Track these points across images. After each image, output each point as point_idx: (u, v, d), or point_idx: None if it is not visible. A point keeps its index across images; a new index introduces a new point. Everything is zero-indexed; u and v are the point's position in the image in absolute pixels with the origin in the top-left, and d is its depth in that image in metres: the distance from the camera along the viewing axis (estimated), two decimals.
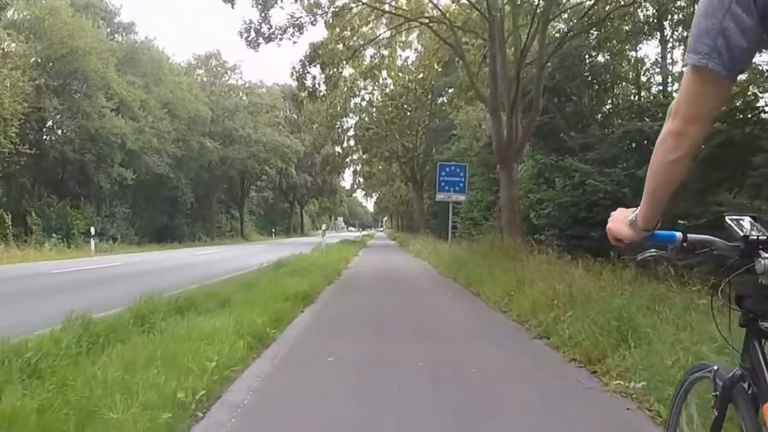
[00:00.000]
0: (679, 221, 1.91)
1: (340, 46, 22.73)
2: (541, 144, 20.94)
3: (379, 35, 25.00)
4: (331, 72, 22.94)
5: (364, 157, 47.40)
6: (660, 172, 1.66)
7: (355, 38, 23.34)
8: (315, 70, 22.76)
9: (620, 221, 1.86)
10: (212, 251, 32.09)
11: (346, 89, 41.74)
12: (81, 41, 31.98)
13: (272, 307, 8.09)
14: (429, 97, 40.63)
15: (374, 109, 43.34)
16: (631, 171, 15.84)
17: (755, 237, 1.67)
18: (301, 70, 22.14)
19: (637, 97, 22.89)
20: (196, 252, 30.26)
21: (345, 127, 44.23)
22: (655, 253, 1.96)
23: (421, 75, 39.67)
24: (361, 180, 69.67)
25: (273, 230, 71.28)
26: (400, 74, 41.45)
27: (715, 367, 2.02)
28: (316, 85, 22.94)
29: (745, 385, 1.78)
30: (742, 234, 1.70)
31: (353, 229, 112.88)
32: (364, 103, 43.85)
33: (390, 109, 40.64)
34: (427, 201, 46.06)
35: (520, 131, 16.45)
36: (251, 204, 72.58)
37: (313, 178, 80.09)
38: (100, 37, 34.58)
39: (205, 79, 54.77)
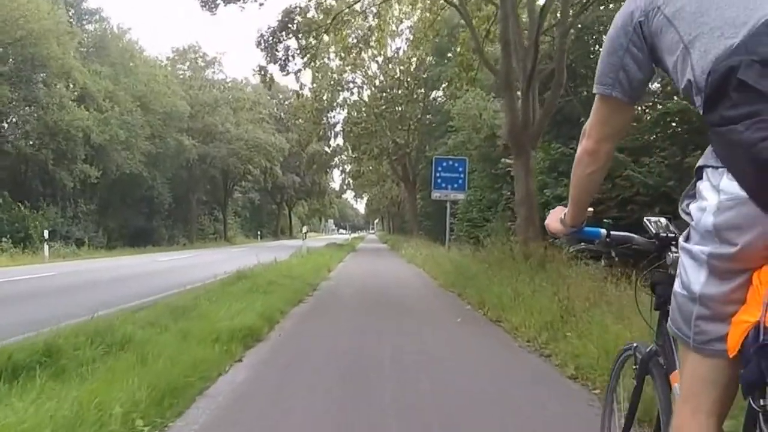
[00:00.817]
0: (605, 220, 2.51)
1: (320, 15, 19.49)
2: (554, 132, 18.04)
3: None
4: (308, 42, 19.69)
5: (352, 155, 44.20)
6: (580, 183, 2.07)
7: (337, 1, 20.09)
8: (291, 43, 19.52)
9: (554, 218, 2.29)
10: (183, 256, 28.98)
11: (333, 82, 38.85)
12: (37, 24, 28.82)
13: (180, 362, 4.96)
14: (422, 90, 37.70)
15: (363, 102, 40.30)
16: (676, 159, 13.06)
17: (665, 235, 2.10)
18: (270, 38, 18.81)
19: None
20: (163, 258, 27.03)
21: (332, 122, 41.09)
22: (584, 246, 2.42)
23: (413, 63, 36.73)
24: (351, 181, 66.76)
25: (259, 233, 68.09)
26: (390, 65, 38.49)
27: (635, 345, 2.47)
28: (290, 57, 19.63)
29: (660, 359, 2.18)
30: (655, 232, 2.15)
31: (344, 231, 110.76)
32: (353, 98, 40.86)
33: (380, 101, 37.64)
34: (420, 201, 43.18)
35: (538, 112, 13.39)
36: (236, 205, 69.57)
37: (301, 179, 77.34)
38: (58, 19, 31.27)
39: (187, 74, 51.49)
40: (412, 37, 37.98)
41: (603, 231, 2.24)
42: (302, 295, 11.29)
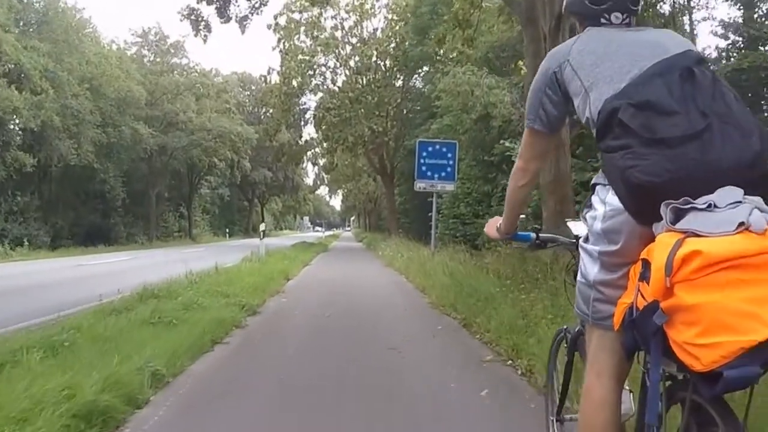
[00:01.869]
0: (534, 225, 3.32)
1: None
2: None
3: None
4: None
5: (325, 146, 40.40)
6: (513, 195, 2.56)
7: None
8: None
9: (491, 226, 2.79)
10: (125, 258, 25.08)
11: (303, 64, 35.22)
12: None
13: None
14: (400, 73, 34.26)
15: (336, 90, 36.64)
16: None
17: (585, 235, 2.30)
18: None
19: None
20: (96, 261, 22.93)
21: (302, 108, 37.18)
22: (520, 247, 3.29)
23: (391, 43, 33.23)
24: (325, 175, 63.18)
25: (227, 230, 64.07)
26: (365, 47, 34.94)
27: (566, 327, 3.00)
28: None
29: (585, 337, 2.44)
30: (575, 233, 2.61)
31: (320, 228, 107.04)
32: (326, 83, 37.12)
33: (355, 84, 34.10)
34: (398, 197, 39.69)
35: None
36: (204, 202, 65.50)
37: (273, 174, 73.57)
38: None
39: (147, 58, 47.29)
40: (390, 15, 34.75)
41: (533, 234, 2.77)
42: (224, 331, 7.14)
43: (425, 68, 32.36)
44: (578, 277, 2.18)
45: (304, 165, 52.89)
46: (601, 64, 2.08)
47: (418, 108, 33.04)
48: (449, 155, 18.18)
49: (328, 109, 34.91)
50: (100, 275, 16.03)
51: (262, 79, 36.68)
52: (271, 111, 36.97)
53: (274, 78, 36.42)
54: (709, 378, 1.59)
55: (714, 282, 1.57)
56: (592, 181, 2.12)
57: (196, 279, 10.75)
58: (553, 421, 3.07)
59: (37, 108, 29.16)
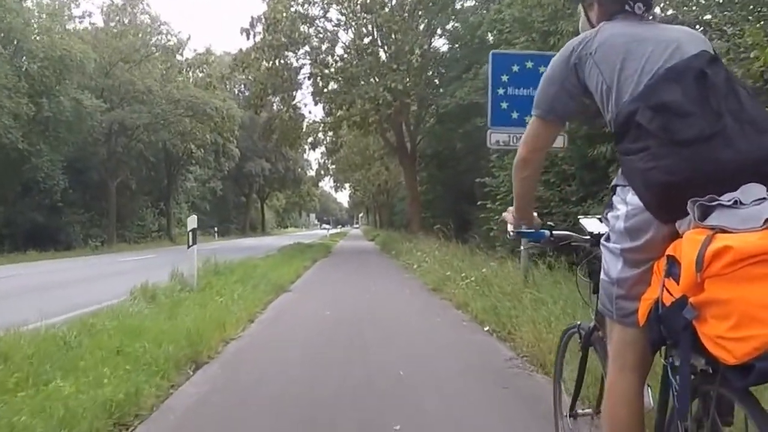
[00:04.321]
0: (548, 222, 3.66)
1: None
2: None
3: None
4: None
5: (327, 120, 31.30)
6: (519, 185, 2.54)
7: None
8: None
9: (509, 213, 2.70)
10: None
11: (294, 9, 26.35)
12: None
13: None
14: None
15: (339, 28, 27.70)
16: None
17: (598, 232, 2.47)
18: None
19: None
20: None
21: (293, 65, 27.83)
22: (534, 244, 3.29)
23: None
24: (329, 165, 54.35)
25: (215, 230, 55.20)
26: None
27: (579, 323, 2.96)
28: None
29: (599, 333, 2.62)
30: (589, 231, 2.60)
31: (327, 226, 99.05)
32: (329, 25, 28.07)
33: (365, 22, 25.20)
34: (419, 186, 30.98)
35: None
36: (191, 196, 56.76)
37: (272, 165, 65.12)
38: None
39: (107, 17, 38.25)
40: None
41: (547, 232, 2.72)
42: None
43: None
44: (601, 276, 2.21)
45: (304, 147, 43.81)
46: (623, 63, 2.09)
47: (454, 55, 24.11)
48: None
49: (326, 65, 26.02)
50: None
51: (244, 34, 27.84)
52: (253, 75, 27.95)
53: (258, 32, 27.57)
54: (740, 370, 1.62)
55: (745, 276, 1.59)
56: (612, 183, 2.17)
57: None
58: (565, 416, 3.06)
59: None
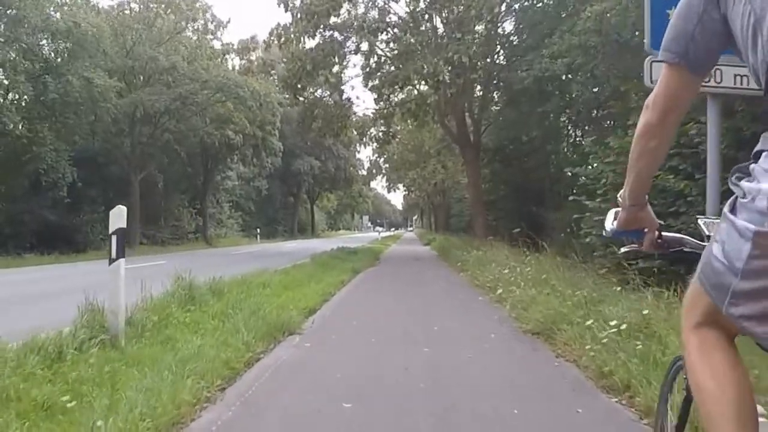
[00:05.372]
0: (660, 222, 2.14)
1: None
2: None
3: None
4: None
5: (378, 109, 26.74)
6: (640, 159, 1.91)
7: None
8: None
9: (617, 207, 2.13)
10: None
11: None
12: None
13: None
14: None
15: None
16: None
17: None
18: None
19: None
20: None
21: (337, 39, 23.16)
22: (636, 247, 2.19)
23: None
24: (381, 164, 50.64)
25: (257, 231, 51.34)
26: None
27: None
28: None
29: None
30: (708, 234, 1.95)
31: (380, 228, 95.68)
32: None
33: None
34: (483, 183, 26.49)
35: None
36: (233, 195, 53.31)
37: (322, 163, 61.66)
38: None
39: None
40: None
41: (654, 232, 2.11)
42: None
43: None
44: (715, 252, 1.60)
45: (354, 143, 39.67)
46: None
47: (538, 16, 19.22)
48: None
49: (375, 34, 21.49)
50: None
51: (281, 5, 23.43)
52: (291, 51, 23.56)
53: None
54: None
55: None
56: (756, 149, 1.58)
57: None
58: None
59: None
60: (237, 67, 38.51)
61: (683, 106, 1.85)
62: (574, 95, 17.53)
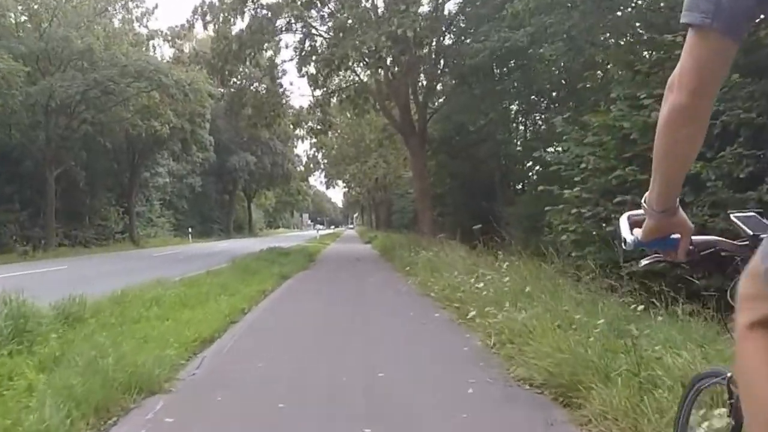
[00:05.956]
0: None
1: None
2: None
3: None
4: None
5: (313, 94, 24.80)
6: (673, 152, 1.46)
7: None
8: None
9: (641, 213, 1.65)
10: None
11: None
12: None
13: None
14: None
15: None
16: None
17: (758, 235, 1.53)
18: None
19: None
20: None
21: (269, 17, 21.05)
22: (659, 258, 1.72)
23: None
24: (320, 158, 49.10)
25: (190, 230, 48.89)
26: None
27: (729, 374, 1.83)
28: None
29: None
30: (751, 232, 1.59)
31: (320, 226, 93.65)
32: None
33: None
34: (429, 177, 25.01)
35: None
36: (163, 193, 50.58)
37: (258, 159, 59.65)
38: None
39: None
40: None
41: (678, 236, 1.61)
42: None
43: None
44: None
45: (290, 136, 37.33)
46: None
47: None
48: None
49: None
50: None
51: None
52: (216, 31, 21.53)
53: None
54: None
55: None
56: None
57: None
58: None
59: None
60: (168, 58, 36.06)
61: (717, 82, 1.38)
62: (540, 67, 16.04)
